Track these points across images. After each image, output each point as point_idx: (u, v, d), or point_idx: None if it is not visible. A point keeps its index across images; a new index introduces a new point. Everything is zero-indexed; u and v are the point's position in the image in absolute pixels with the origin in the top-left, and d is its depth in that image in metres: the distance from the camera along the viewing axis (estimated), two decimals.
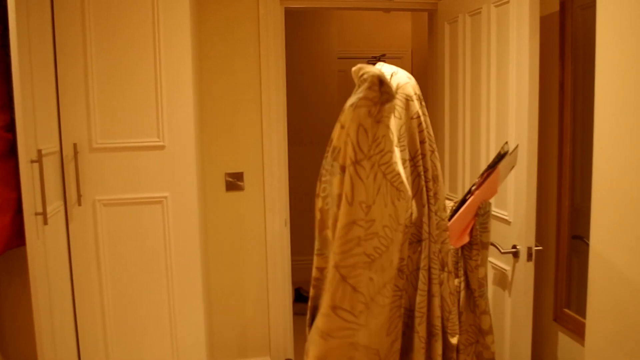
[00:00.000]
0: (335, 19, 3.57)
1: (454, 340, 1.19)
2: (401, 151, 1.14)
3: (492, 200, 1.84)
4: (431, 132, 1.23)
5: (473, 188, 1.17)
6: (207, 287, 2.17)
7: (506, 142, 1.15)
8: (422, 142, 1.18)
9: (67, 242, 1.81)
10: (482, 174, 1.17)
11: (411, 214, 1.08)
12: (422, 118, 1.18)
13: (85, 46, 1.74)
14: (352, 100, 0.96)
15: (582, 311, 1.51)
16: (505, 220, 1.73)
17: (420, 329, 1.14)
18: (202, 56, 2.24)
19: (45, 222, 1.52)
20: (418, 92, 1.22)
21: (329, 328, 0.96)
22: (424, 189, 1.15)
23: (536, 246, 1.67)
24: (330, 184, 0.96)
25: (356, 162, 0.93)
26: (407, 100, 1.18)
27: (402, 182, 0.99)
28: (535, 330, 1.80)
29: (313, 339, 0.99)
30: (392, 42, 4.11)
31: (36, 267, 1.45)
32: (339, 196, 0.95)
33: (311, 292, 1.06)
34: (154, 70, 1.79)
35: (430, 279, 1.16)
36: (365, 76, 0.96)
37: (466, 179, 2.04)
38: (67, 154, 1.77)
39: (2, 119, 1.60)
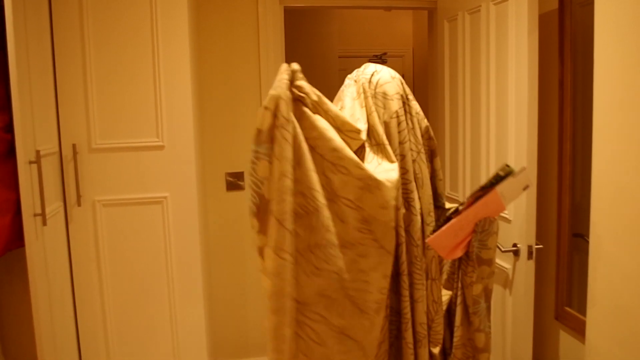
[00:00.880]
0: (336, 18, 3.56)
1: (435, 350, 1.18)
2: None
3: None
4: (418, 135, 1.20)
5: (460, 208, 1.14)
6: (208, 287, 2.17)
7: (507, 164, 1.11)
8: (401, 143, 1.16)
9: (67, 242, 1.81)
10: (474, 193, 1.13)
11: (397, 208, 1.09)
12: (402, 117, 1.17)
13: (83, 46, 1.74)
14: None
15: (583, 309, 1.50)
16: (506, 218, 1.72)
17: (407, 335, 1.13)
18: (202, 56, 2.24)
19: (44, 223, 1.52)
20: (402, 91, 1.21)
21: (274, 268, 1.01)
22: (400, 190, 1.13)
23: (537, 244, 1.67)
24: (256, 171, 1.02)
25: (279, 126, 1.02)
26: (386, 99, 1.17)
27: (340, 157, 1.04)
28: (537, 329, 1.79)
29: (263, 278, 1.05)
30: (393, 41, 4.10)
31: (35, 268, 1.45)
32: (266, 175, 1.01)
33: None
34: (152, 70, 1.79)
35: (412, 284, 1.15)
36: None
37: (466, 177, 2.04)
38: (67, 155, 1.77)
39: (2, 120, 1.61)
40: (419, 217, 1.16)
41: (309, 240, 1.04)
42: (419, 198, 1.18)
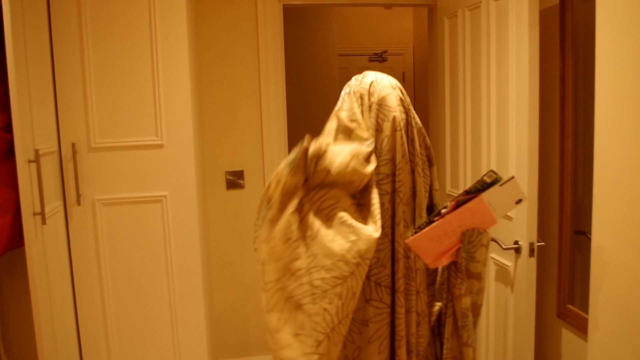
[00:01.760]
0: (336, 16, 3.56)
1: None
2: (383, 166, 1.12)
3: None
4: (417, 146, 1.16)
5: (443, 211, 1.11)
6: (208, 285, 2.17)
7: (492, 170, 1.06)
8: (403, 156, 1.12)
9: (67, 241, 1.81)
10: (458, 197, 1.08)
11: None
12: (403, 131, 1.13)
13: (82, 45, 1.74)
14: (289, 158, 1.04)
15: (585, 307, 1.49)
16: (507, 215, 1.72)
17: (400, 352, 1.12)
18: (200, 54, 2.23)
19: (44, 222, 1.52)
20: (403, 102, 1.16)
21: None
22: (400, 205, 1.11)
23: (538, 242, 1.66)
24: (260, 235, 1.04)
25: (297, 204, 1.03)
26: (389, 111, 1.12)
27: (350, 222, 1.04)
28: (538, 327, 1.78)
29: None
30: (393, 39, 4.10)
31: (35, 266, 1.45)
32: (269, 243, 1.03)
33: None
34: (151, 69, 1.78)
35: (407, 299, 1.13)
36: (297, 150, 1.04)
37: (467, 174, 2.03)
38: (66, 154, 1.77)
39: (2, 119, 1.61)
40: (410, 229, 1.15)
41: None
42: (414, 209, 1.15)
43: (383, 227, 1.10)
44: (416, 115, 1.21)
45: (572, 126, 1.77)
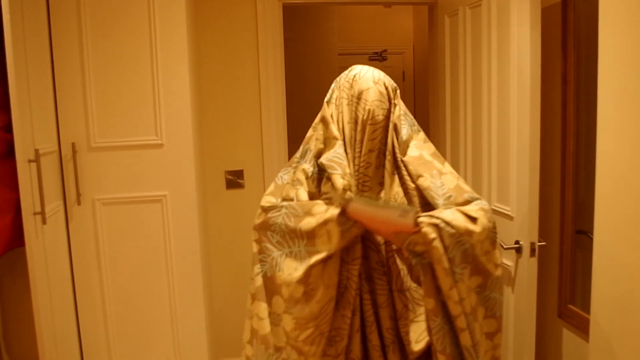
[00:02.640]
0: (336, 15, 3.55)
1: (415, 347, 1.14)
2: (357, 157, 1.14)
3: (493, 196, 1.83)
4: (394, 141, 1.16)
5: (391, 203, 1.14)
6: (208, 284, 2.17)
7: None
8: (371, 150, 1.14)
9: (67, 241, 1.81)
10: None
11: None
12: (377, 125, 1.13)
13: (81, 45, 1.73)
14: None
15: (586, 307, 1.49)
16: (508, 215, 1.71)
17: (372, 337, 1.13)
18: (200, 53, 2.23)
19: (44, 222, 1.52)
20: (382, 97, 1.15)
21: None
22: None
23: (539, 242, 1.66)
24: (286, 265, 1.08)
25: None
26: (366, 105, 1.14)
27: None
28: (539, 327, 1.78)
29: None
30: (393, 38, 4.08)
31: (36, 266, 1.45)
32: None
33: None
34: (150, 68, 1.78)
35: (373, 290, 1.15)
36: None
37: (468, 174, 2.02)
38: (66, 154, 1.77)
39: (2, 119, 1.61)
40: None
41: None
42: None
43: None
44: (403, 110, 1.21)
45: (574, 125, 1.76)
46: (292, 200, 1.16)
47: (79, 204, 1.79)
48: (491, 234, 1.10)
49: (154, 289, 1.87)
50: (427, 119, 2.61)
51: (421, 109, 3.76)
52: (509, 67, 1.68)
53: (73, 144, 1.76)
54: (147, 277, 1.86)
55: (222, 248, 2.33)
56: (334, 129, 1.16)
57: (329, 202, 1.11)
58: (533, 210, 1.63)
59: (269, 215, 1.16)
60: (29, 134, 1.49)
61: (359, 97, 1.15)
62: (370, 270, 1.15)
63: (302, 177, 1.17)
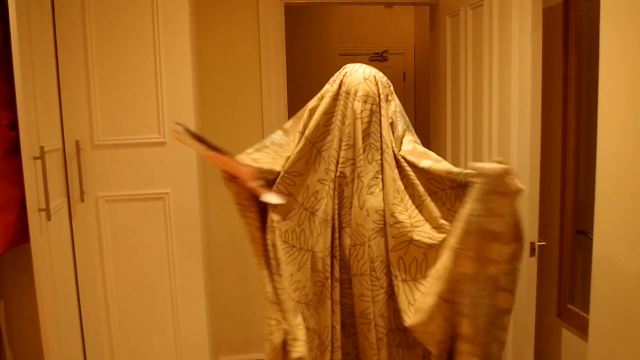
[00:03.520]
0: (337, 15, 3.55)
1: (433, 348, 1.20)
2: (344, 150, 1.19)
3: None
4: (387, 136, 1.20)
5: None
6: (210, 282, 2.18)
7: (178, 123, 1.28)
8: (363, 143, 1.19)
9: (70, 238, 1.82)
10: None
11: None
12: (365, 119, 1.18)
13: (86, 44, 1.75)
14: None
15: (586, 307, 1.49)
16: None
17: (370, 336, 1.16)
18: (202, 52, 2.24)
19: (49, 218, 1.53)
20: (374, 92, 1.20)
21: None
22: (362, 189, 1.17)
23: (539, 241, 1.66)
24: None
25: None
26: (354, 100, 1.18)
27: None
28: (539, 327, 1.78)
29: None
30: (394, 38, 4.09)
31: (40, 262, 1.46)
32: None
33: None
34: (154, 67, 1.79)
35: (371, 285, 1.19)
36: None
37: None
38: (70, 151, 1.78)
39: (7, 117, 1.62)
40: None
41: None
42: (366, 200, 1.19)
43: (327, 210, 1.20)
44: (398, 107, 1.24)
45: (575, 125, 1.77)
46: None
47: (82, 201, 1.81)
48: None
49: (155, 285, 1.88)
50: (428, 120, 2.62)
51: (422, 110, 3.76)
52: (510, 67, 1.68)
53: (77, 142, 1.77)
54: (149, 273, 1.87)
55: (224, 245, 2.34)
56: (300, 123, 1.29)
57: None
58: (533, 211, 1.63)
59: None
60: (34, 131, 1.50)
61: (347, 92, 1.19)
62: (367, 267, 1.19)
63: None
